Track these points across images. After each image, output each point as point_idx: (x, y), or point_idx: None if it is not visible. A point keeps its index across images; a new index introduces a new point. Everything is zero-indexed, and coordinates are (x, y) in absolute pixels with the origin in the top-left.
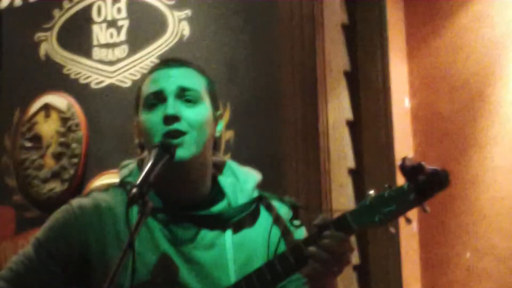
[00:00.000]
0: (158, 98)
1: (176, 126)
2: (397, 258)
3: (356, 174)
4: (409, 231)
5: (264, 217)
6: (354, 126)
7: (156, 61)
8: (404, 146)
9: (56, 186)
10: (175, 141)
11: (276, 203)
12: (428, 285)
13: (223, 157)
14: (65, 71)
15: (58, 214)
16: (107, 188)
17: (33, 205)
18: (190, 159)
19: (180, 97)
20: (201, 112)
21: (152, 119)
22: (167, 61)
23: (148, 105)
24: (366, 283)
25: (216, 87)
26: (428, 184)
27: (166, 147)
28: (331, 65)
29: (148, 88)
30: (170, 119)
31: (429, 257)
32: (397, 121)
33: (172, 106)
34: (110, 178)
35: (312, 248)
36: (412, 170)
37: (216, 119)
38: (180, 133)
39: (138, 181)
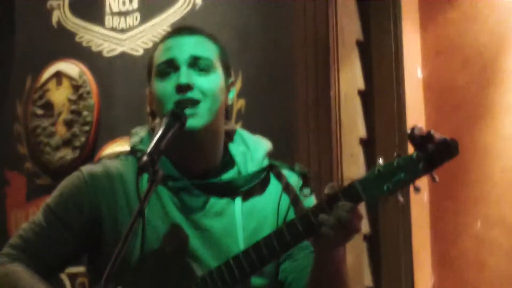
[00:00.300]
0: (171, 66)
1: (189, 95)
2: (408, 228)
3: (368, 144)
4: (419, 201)
5: (274, 186)
6: (366, 96)
7: (168, 29)
8: (416, 116)
9: (67, 154)
10: (189, 111)
11: (286, 172)
12: (439, 255)
13: (234, 125)
14: (77, 39)
15: (68, 181)
16: (118, 155)
17: (44, 172)
18: (202, 127)
19: (192, 65)
20: (214, 80)
21: (165, 87)
22: (179, 29)
23: (160, 74)
24: (377, 253)
25: (228, 54)
26: (437, 153)
27: (177, 116)
28: (343, 35)
29: (160, 57)
30: (183, 88)
31: (440, 227)
32: (409, 91)
33: (185, 75)
34: (121, 145)
35: (321, 216)
36: (421, 139)
37: (228, 87)
38: (193, 102)
39: (149, 149)
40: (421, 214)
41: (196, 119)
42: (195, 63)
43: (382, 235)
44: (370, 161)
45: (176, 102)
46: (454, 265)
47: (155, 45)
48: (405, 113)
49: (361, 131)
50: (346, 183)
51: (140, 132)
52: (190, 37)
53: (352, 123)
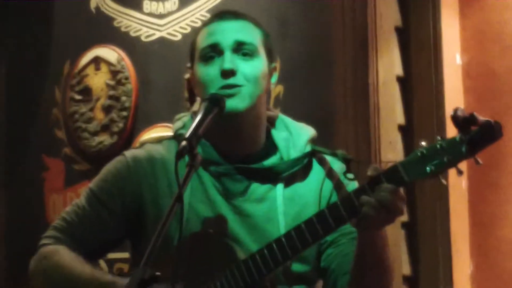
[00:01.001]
0: (215, 51)
1: (232, 80)
2: (446, 215)
3: (406, 131)
4: (458, 188)
5: (317, 171)
6: (404, 83)
7: (207, 15)
8: (454, 103)
9: (105, 139)
10: (231, 92)
11: (329, 158)
12: (476, 243)
13: (276, 111)
14: (115, 24)
15: (111, 165)
16: (161, 140)
17: (82, 158)
18: (244, 111)
19: (236, 50)
20: (257, 65)
21: (209, 72)
22: (222, 14)
23: (204, 58)
24: (414, 240)
25: (271, 39)
26: (480, 135)
27: (216, 100)
28: (382, 21)
29: (204, 41)
30: (227, 73)
31: (478, 214)
32: (448, 78)
33: (229, 60)
34: (159, 131)
35: (363, 197)
36: (464, 121)
37: (270, 72)
38: (236, 87)
39: (188, 134)
40: (459, 201)
41: (239, 102)
42: (239, 48)
43: (420, 222)
44: (408, 147)
45: (220, 87)
46: (492, 253)
47: (197, 29)
48: (443, 99)
49: (400, 118)
50: (387, 166)
51: (184, 117)
52: (234, 22)
53: (391, 109)
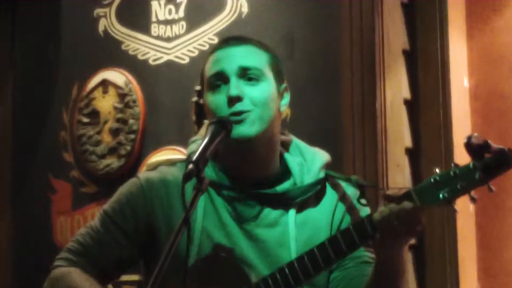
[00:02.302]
0: (221, 79)
1: (239, 106)
2: (453, 238)
3: (413, 154)
4: (465, 211)
5: (330, 196)
6: (412, 105)
7: (215, 38)
8: (462, 126)
9: (113, 162)
10: (238, 118)
11: (343, 183)
12: (484, 266)
13: (290, 136)
14: (123, 47)
15: (125, 187)
16: (174, 162)
17: (90, 180)
18: (255, 136)
19: (242, 76)
20: (264, 89)
21: (217, 100)
22: (227, 40)
23: (211, 86)
24: (422, 262)
25: (279, 61)
26: (494, 163)
27: (223, 123)
28: (390, 44)
29: (210, 69)
30: (233, 99)
31: (485, 237)
32: (456, 101)
33: (235, 86)
34: (167, 154)
35: (382, 209)
36: (478, 148)
37: (280, 94)
38: (243, 113)
39: (194, 157)
40: (466, 224)
41: (248, 127)
42: (244, 73)
43: (427, 245)
44: (416, 171)
45: (228, 115)
46: (499, 276)
47: (205, 56)
48: (451, 122)
49: (407, 141)
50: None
51: (198, 140)
52: (238, 47)
53: (398, 132)
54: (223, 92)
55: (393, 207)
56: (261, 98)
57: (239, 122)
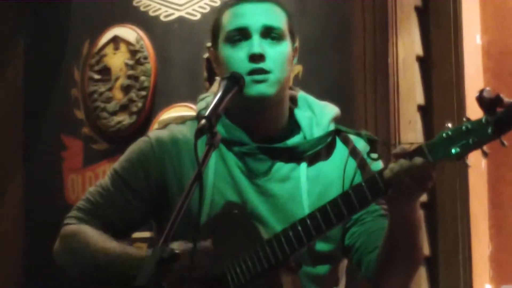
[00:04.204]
0: (242, 34)
1: (261, 65)
2: (465, 196)
3: (426, 111)
4: (477, 168)
5: (340, 150)
6: (424, 62)
7: None
8: (474, 83)
9: (124, 119)
10: (259, 77)
11: (353, 137)
12: (496, 224)
13: (298, 90)
14: (134, 3)
15: (135, 146)
16: (184, 120)
17: (101, 137)
18: (273, 96)
19: (265, 35)
20: (284, 50)
21: (236, 55)
22: None
23: (231, 40)
24: (433, 221)
25: (292, 19)
26: (507, 116)
27: (235, 79)
28: (402, 1)
29: (231, 22)
30: (256, 57)
31: (497, 195)
32: (468, 58)
33: (258, 44)
34: (178, 111)
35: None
36: (490, 102)
37: (294, 53)
38: (264, 72)
39: (207, 112)
40: (478, 182)
41: (267, 88)
42: (267, 32)
43: (439, 203)
44: (428, 127)
45: (249, 71)
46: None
47: (219, 9)
48: (463, 79)
49: (419, 98)
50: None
51: (207, 97)
52: (260, 4)
53: (410, 89)
54: (244, 48)
55: (403, 163)
56: (281, 59)
57: (260, 81)
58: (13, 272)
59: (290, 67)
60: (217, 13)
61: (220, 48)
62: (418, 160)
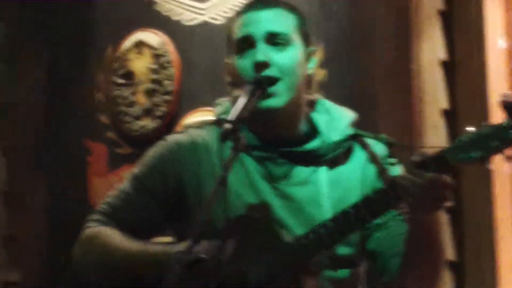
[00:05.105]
0: (247, 43)
1: (266, 72)
2: (490, 201)
3: (450, 115)
4: (501, 173)
5: (359, 154)
6: (447, 67)
7: None
8: (498, 87)
9: (148, 123)
10: (267, 89)
11: (371, 141)
12: None
13: (316, 95)
14: (157, 7)
15: (154, 150)
16: (203, 125)
17: (125, 142)
18: (284, 107)
19: (269, 41)
20: (292, 55)
21: (243, 64)
22: (255, 2)
23: (238, 50)
24: (459, 226)
25: (307, 23)
26: None
27: (258, 83)
28: (425, 4)
29: (237, 32)
30: (260, 65)
31: None
32: (492, 62)
33: (261, 52)
34: (202, 115)
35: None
36: None
37: (308, 56)
38: (271, 80)
39: (231, 117)
40: (503, 187)
41: (276, 99)
42: (272, 39)
43: (465, 208)
44: (452, 132)
45: (254, 79)
46: None
47: (231, 18)
48: (487, 83)
49: (443, 102)
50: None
51: (225, 101)
52: (266, 11)
53: (434, 94)
54: (250, 56)
55: (415, 178)
56: (289, 65)
57: (269, 95)
58: (38, 277)
59: (302, 71)
60: (230, 22)
61: (231, 57)
62: (429, 176)
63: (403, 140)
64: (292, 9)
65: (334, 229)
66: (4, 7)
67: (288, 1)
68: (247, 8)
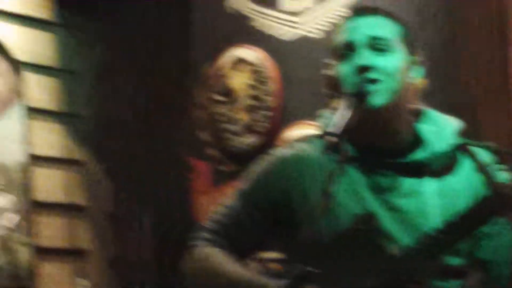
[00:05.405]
0: (349, 49)
1: (368, 75)
2: None
3: None
4: None
5: (466, 164)
6: None
7: (344, 9)
8: None
9: (249, 139)
10: (369, 89)
11: (477, 150)
12: None
13: (421, 105)
14: (253, 23)
15: (260, 165)
16: (306, 138)
17: (227, 158)
18: (383, 107)
19: (371, 46)
20: (393, 60)
21: (344, 70)
22: (358, 10)
23: (339, 56)
24: None
25: (412, 32)
26: None
27: (359, 95)
28: None
29: (338, 39)
30: (362, 69)
31: None
32: None
33: (363, 56)
34: (303, 129)
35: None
36: None
37: (411, 65)
38: (373, 81)
39: (334, 129)
40: None
41: (377, 98)
42: (374, 43)
43: None
44: None
45: (356, 83)
46: None
47: (334, 27)
48: None
49: None
50: None
51: (327, 114)
52: (368, 18)
53: None
54: (351, 61)
55: None
56: (390, 69)
57: (370, 93)
58: None
59: (404, 78)
60: (333, 31)
61: (332, 65)
62: None
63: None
64: (394, 17)
65: (442, 239)
66: (99, 27)
67: (389, 11)
68: (349, 16)
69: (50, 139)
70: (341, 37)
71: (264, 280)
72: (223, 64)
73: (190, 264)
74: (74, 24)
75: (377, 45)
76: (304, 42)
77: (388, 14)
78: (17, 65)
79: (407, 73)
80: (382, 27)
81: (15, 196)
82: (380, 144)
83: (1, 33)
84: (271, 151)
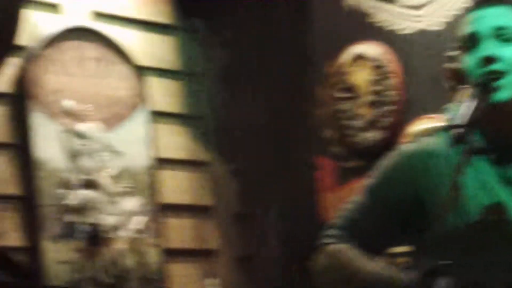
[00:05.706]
0: (473, 40)
1: (493, 67)
2: None
3: None
4: None
5: None
6: None
7: (466, 1)
8: None
9: (373, 135)
10: (494, 84)
11: None
12: None
13: None
14: (372, 19)
15: (387, 161)
16: (433, 132)
17: (352, 155)
18: (510, 100)
19: (496, 37)
20: None
21: (469, 61)
22: (481, 1)
23: (465, 48)
24: None
25: None
26: None
27: (484, 87)
28: None
29: (463, 31)
30: (487, 60)
31: None
32: None
33: (487, 47)
34: (428, 123)
35: None
36: None
37: None
38: (498, 73)
39: (460, 122)
40: None
41: (503, 92)
42: (499, 34)
43: None
44: None
45: (481, 75)
46: None
47: (457, 19)
48: None
49: None
50: None
51: (453, 106)
52: (491, 8)
53: None
54: (476, 52)
55: None
56: None
57: (495, 90)
58: None
59: None
60: (456, 22)
61: (457, 57)
62: None
63: None
64: None
65: None
66: (219, 30)
67: None
68: (473, 7)
69: (175, 141)
70: (465, 29)
71: (395, 274)
72: (344, 61)
73: (321, 261)
74: (194, 28)
75: (502, 35)
76: (424, 35)
77: (511, 4)
78: (139, 70)
79: None
80: (506, 17)
81: (143, 199)
82: (508, 135)
83: (123, 39)
84: (398, 147)
